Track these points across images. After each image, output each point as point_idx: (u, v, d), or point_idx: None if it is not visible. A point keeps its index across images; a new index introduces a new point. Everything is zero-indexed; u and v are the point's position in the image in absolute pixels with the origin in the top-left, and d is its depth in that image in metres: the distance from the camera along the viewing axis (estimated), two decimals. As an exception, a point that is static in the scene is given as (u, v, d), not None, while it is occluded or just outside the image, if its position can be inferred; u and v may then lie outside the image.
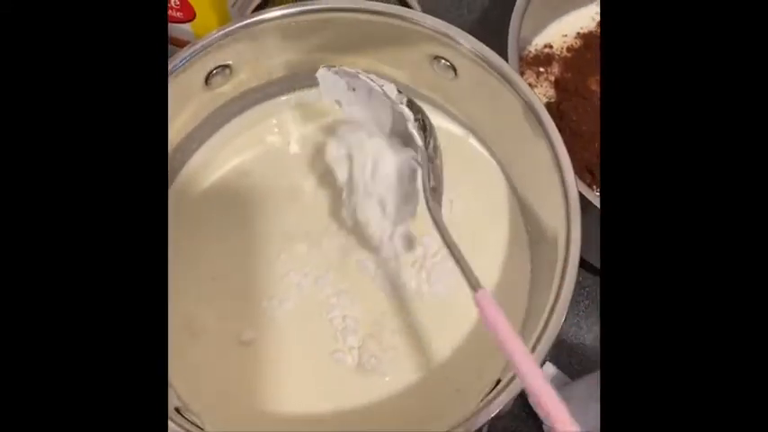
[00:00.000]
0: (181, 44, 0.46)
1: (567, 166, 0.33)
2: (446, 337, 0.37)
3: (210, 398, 0.35)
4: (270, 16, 0.38)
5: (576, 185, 0.33)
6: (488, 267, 0.39)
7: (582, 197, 0.33)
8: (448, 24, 0.37)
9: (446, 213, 0.39)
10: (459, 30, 0.37)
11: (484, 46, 0.36)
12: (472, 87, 0.39)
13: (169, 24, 0.45)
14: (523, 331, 0.36)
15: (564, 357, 0.42)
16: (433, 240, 0.39)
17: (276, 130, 0.43)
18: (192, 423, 0.32)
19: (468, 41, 0.37)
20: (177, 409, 0.33)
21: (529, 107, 0.35)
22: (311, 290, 0.38)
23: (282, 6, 0.39)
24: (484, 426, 0.29)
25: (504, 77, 0.36)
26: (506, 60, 0.38)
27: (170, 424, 0.30)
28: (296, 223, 0.40)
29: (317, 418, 0.35)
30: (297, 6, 0.38)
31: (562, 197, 0.33)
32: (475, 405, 0.33)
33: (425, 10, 0.53)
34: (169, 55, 0.43)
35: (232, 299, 0.38)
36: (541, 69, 0.46)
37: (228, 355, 0.37)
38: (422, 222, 0.39)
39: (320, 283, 0.38)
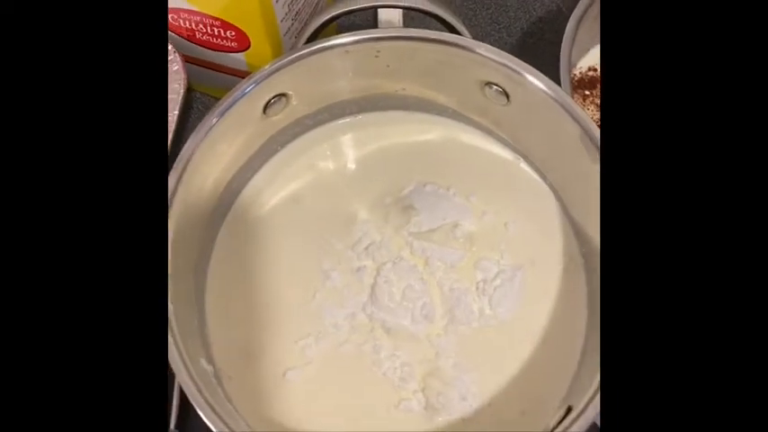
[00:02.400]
0: (233, 73, 0.47)
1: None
2: (509, 360, 0.37)
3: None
4: (324, 45, 0.39)
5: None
6: (546, 287, 0.39)
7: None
8: (501, 51, 0.38)
9: (502, 235, 0.40)
10: (513, 57, 0.38)
11: (539, 73, 0.37)
12: (525, 113, 0.39)
13: (223, 54, 0.46)
14: (583, 360, 0.36)
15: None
16: (492, 264, 0.39)
17: (329, 154, 0.44)
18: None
19: (523, 69, 0.37)
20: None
21: (587, 134, 0.35)
22: (349, 331, 0.39)
23: (336, 36, 0.39)
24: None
25: (561, 104, 0.36)
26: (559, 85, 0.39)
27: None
28: (336, 257, 0.40)
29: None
30: (350, 36, 0.39)
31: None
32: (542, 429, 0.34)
33: (471, 26, 0.55)
34: (224, 85, 0.44)
35: (273, 333, 0.39)
36: (587, 92, 0.46)
37: (279, 389, 0.37)
38: (479, 247, 0.40)
39: (357, 320, 0.39)
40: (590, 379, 0.32)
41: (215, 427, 0.31)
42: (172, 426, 0.40)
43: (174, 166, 0.36)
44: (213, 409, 0.31)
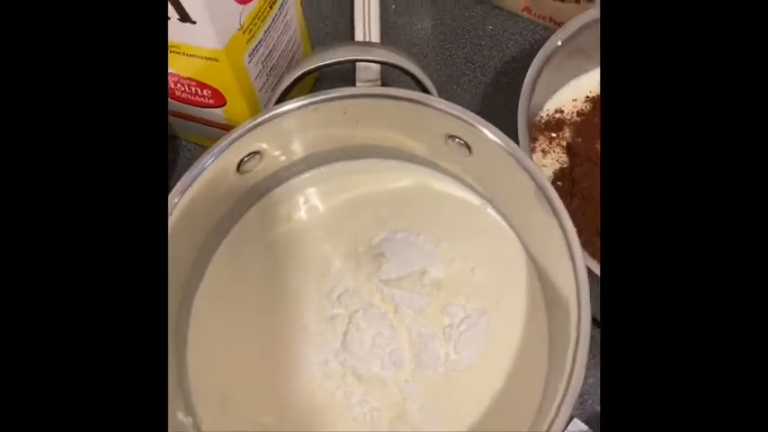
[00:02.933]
0: (214, 125, 0.49)
1: (575, 245, 0.35)
2: (474, 403, 0.39)
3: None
4: (292, 107, 0.40)
5: (584, 260, 0.35)
6: (510, 329, 0.41)
7: (589, 270, 0.35)
8: (460, 108, 0.39)
9: (468, 280, 0.42)
10: (470, 113, 0.39)
11: (495, 128, 0.39)
12: (486, 164, 0.41)
13: (202, 109, 0.48)
14: (546, 389, 0.38)
15: (588, 415, 0.43)
16: (458, 308, 0.41)
17: (303, 205, 0.46)
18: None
19: (479, 123, 0.39)
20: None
21: (540, 188, 0.37)
22: (322, 378, 0.41)
23: (307, 96, 0.41)
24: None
25: (516, 159, 0.38)
26: (516, 133, 0.40)
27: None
28: (311, 306, 0.42)
29: None
30: (321, 95, 0.41)
31: (571, 270, 0.35)
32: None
33: (441, 75, 0.57)
34: (208, 134, 0.46)
35: (249, 385, 0.41)
36: (554, 135, 0.48)
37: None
38: (446, 292, 0.42)
39: (330, 367, 0.41)
40: (550, 405, 0.33)
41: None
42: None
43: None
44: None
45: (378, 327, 0.41)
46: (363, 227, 0.44)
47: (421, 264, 0.42)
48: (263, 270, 0.44)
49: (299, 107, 0.41)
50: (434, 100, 0.40)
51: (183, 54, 0.42)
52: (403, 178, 0.46)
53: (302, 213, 0.45)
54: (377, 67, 0.48)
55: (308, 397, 0.40)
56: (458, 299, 0.42)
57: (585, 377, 0.45)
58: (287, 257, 0.44)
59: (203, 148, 0.51)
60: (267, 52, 0.46)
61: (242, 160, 0.42)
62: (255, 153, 0.42)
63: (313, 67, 0.43)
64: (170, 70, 0.45)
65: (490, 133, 0.39)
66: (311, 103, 0.41)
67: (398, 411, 0.39)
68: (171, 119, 0.50)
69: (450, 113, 0.40)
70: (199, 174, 0.39)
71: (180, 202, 0.38)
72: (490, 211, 0.44)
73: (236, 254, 0.44)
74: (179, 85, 0.46)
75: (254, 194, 0.45)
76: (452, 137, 0.41)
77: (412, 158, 0.46)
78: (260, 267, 0.44)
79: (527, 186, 0.38)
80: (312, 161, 0.46)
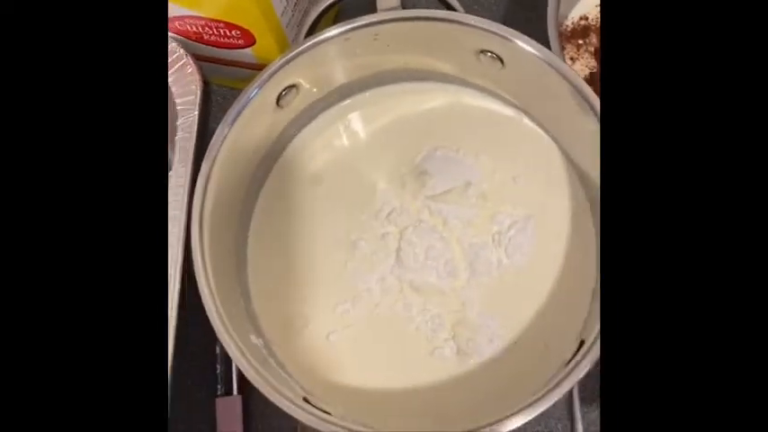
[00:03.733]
0: (244, 66, 0.50)
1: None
2: (528, 303, 0.41)
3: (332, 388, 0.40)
4: (325, 37, 0.41)
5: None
6: (558, 231, 0.43)
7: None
8: (491, 22, 0.40)
9: (512, 188, 0.44)
10: (502, 26, 0.40)
11: (530, 39, 0.39)
12: (520, 75, 0.42)
13: (232, 51, 0.49)
14: (595, 293, 0.40)
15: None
16: (505, 216, 0.43)
17: (343, 133, 0.47)
18: (321, 410, 0.36)
19: (512, 35, 0.40)
20: (305, 399, 0.37)
21: (576, 89, 0.38)
22: (381, 294, 0.43)
23: (335, 26, 0.42)
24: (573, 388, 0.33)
25: (550, 65, 0.39)
26: (545, 43, 0.41)
27: (302, 413, 0.35)
28: (361, 227, 0.44)
29: (435, 408, 0.40)
30: (350, 23, 0.42)
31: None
32: (561, 364, 0.38)
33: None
34: (238, 76, 0.48)
35: (313, 303, 0.43)
36: (581, 41, 0.49)
37: (325, 351, 0.42)
38: (492, 202, 0.43)
39: (387, 283, 0.43)
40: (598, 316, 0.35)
41: (272, 398, 0.35)
42: (235, 392, 0.45)
43: (205, 158, 0.40)
44: (267, 381, 0.35)
45: (429, 240, 0.43)
46: (404, 148, 0.46)
47: (464, 177, 0.44)
48: (312, 197, 0.45)
49: (332, 37, 0.42)
50: (464, 17, 0.41)
51: (212, -6, 0.43)
52: (437, 98, 0.47)
53: (343, 140, 0.47)
54: (398, -3, 0.49)
55: (369, 312, 0.42)
56: (503, 207, 0.43)
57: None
58: (333, 183, 0.46)
59: (235, 91, 0.52)
60: (291, -13, 0.47)
61: (280, 94, 0.43)
62: (292, 87, 0.43)
63: (336, -1, 0.44)
64: (198, 14, 0.46)
65: (523, 43, 0.40)
66: (343, 32, 0.42)
67: (458, 317, 0.41)
68: (202, 64, 0.51)
69: (481, 28, 0.41)
70: (244, 107, 0.40)
71: (228, 133, 0.40)
72: (526, 121, 0.45)
73: (284, 185, 0.46)
74: (207, 28, 0.47)
75: (294, 127, 0.46)
76: (484, 51, 0.42)
77: (444, 78, 0.47)
78: (308, 195, 0.45)
79: (563, 90, 0.39)
80: (346, 90, 0.47)
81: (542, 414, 0.42)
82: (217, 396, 0.46)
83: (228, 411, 0.46)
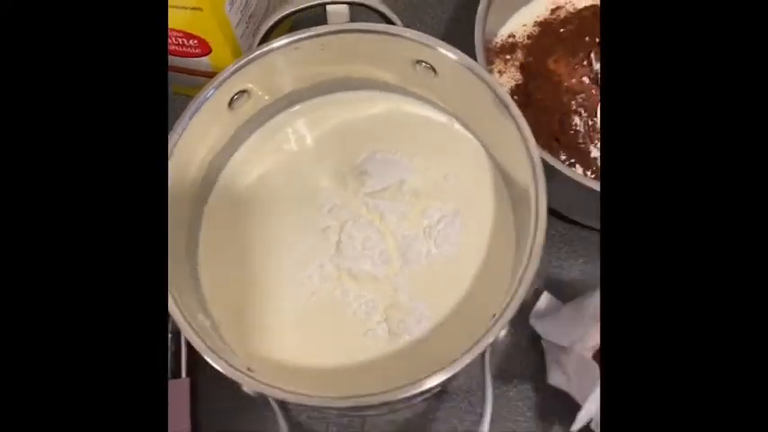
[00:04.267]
0: (201, 74, 0.54)
1: (530, 140, 0.41)
2: (454, 287, 0.45)
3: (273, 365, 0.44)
4: (276, 46, 0.46)
5: (539, 153, 0.41)
6: (482, 225, 0.47)
7: (545, 162, 0.41)
8: (424, 34, 0.45)
9: (442, 186, 0.48)
10: (433, 38, 0.45)
11: (456, 50, 0.44)
12: (450, 83, 0.47)
13: (189, 59, 0.53)
14: (514, 270, 0.44)
15: (553, 291, 0.50)
16: (435, 210, 0.47)
17: (291, 137, 0.51)
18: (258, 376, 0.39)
19: (442, 47, 0.44)
20: (249, 369, 0.41)
21: (498, 97, 0.43)
22: (320, 280, 0.46)
23: (284, 36, 0.46)
24: (486, 350, 0.37)
25: (476, 74, 0.44)
26: (475, 57, 0.46)
27: (248, 379, 0.38)
28: (305, 221, 0.48)
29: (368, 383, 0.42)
30: (297, 35, 0.46)
31: (529, 164, 0.41)
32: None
33: (408, 11, 0.62)
34: (193, 84, 0.51)
35: (258, 290, 0.46)
36: (508, 56, 0.54)
37: (267, 332, 0.45)
38: (424, 198, 0.48)
39: (326, 270, 0.46)
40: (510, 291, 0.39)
41: (217, 365, 0.38)
42: (183, 374, 0.48)
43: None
44: (214, 352, 0.39)
45: (366, 232, 0.47)
46: (346, 151, 0.50)
47: (399, 176, 0.48)
48: (261, 194, 0.49)
49: (282, 46, 0.46)
50: (402, 30, 0.46)
51: (171, 7, 0.47)
52: (378, 105, 0.51)
53: (291, 144, 0.51)
54: (346, 11, 0.53)
55: (309, 298, 0.46)
56: (434, 202, 0.47)
57: (562, 267, 0.52)
58: (281, 182, 0.49)
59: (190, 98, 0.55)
60: (245, 1, 0.51)
61: (232, 98, 0.47)
62: (243, 92, 0.47)
63: (289, 11, 0.48)
64: (159, 23, 0.50)
65: (451, 54, 0.44)
66: (292, 42, 0.46)
67: (391, 301, 0.45)
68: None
69: (416, 40, 0.45)
70: (198, 108, 0.44)
71: (181, 138, 0.44)
72: (457, 126, 0.50)
73: (235, 183, 0.50)
74: (169, 38, 0.51)
75: (246, 130, 0.50)
76: (419, 61, 0.47)
77: (384, 87, 0.51)
78: (257, 192, 0.49)
79: (487, 98, 0.44)
80: (295, 97, 0.51)
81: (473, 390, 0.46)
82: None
83: (177, 394, 0.49)
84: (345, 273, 0.46)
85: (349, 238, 0.47)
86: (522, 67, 0.53)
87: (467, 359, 0.36)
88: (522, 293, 0.38)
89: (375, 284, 0.46)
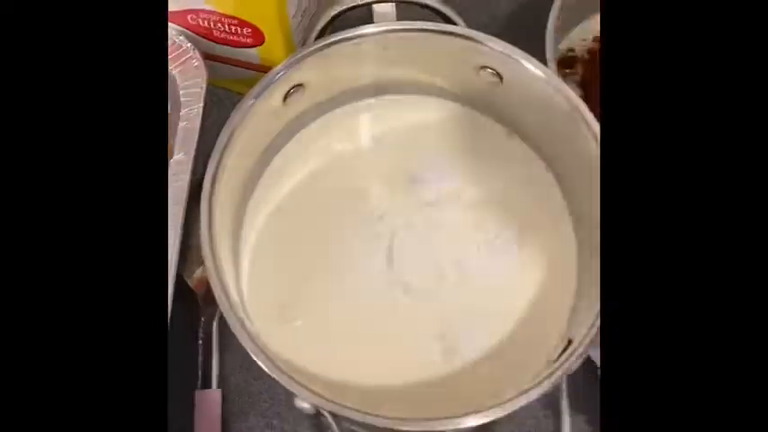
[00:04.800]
0: (246, 66, 0.52)
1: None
2: (512, 307, 0.43)
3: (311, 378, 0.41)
4: (334, 40, 0.44)
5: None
6: (541, 246, 0.45)
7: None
8: (495, 39, 0.43)
9: (500, 203, 0.46)
10: (506, 44, 0.43)
11: (530, 57, 0.42)
12: (517, 93, 0.45)
13: (238, 49, 0.50)
14: (578, 297, 0.42)
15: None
16: (493, 225, 0.45)
17: (343, 136, 0.49)
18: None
19: (515, 53, 0.42)
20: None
21: (575, 109, 0.41)
22: (369, 293, 0.44)
23: (344, 31, 0.44)
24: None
25: (550, 84, 0.42)
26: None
27: (286, 379, 0.35)
28: (354, 226, 0.46)
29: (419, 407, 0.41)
30: (356, 30, 0.44)
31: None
32: (542, 366, 0.40)
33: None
34: (235, 76, 0.49)
35: (303, 295, 0.44)
36: (567, 71, 0.52)
37: (313, 345, 0.43)
38: (480, 212, 0.45)
39: (376, 282, 0.44)
40: (587, 317, 0.37)
41: (274, 373, 0.35)
42: (214, 385, 0.45)
43: (213, 155, 0.40)
44: (270, 359, 0.36)
45: (419, 243, 0.44)
46: (400, 156, 0.48)
47: (456, 187, 0.46)
48: (308, 194, 0.47)
49: (343, 39, 0.44)
50: (470, 32, 0.44)
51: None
52: (437, 111, 0.49)
53: (345, 143, 0.48)
54: (392, 10, 0.51)
55: (357, 311, 0.43)
56: (491, 217, 0.45)
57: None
58: (330, 183, 0.47)
59: (232, 93, 0.53)
60: (300, -7, 0.49)
61: (288, 92, 0.44)
62: (300, 85, 0.45)
63: (346, 7, 0.46)
64: (213, 8, 0.47)
65: (526, 62, 0.42)
66: (355, 37, 0.44)
67: (444, 318, 0.43)
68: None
69: (485, 44, 0.43)
70: (253, 102, 0.41)
71: (236, 131, 0.41)
72: (518, 140, 0.48)
73: (282, 179, 0.47)
74: (218, 24, 0.49)
75: (297, 125, 0.48)
76: (484, 67, 0.45)
77: (442, 93, 0.49)
78: (304, 191, 0.47)
79: (562, 110, 0.42)
80: (350, 95, 0.49)
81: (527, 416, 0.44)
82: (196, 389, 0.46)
83: (207, 406, 0.46)
84: (396, 285, 0.44)
85: (400, 247, 0.44)
86: (584, 84, 0.51)
87: (538, 391, 0.34)
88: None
89: (427, 299, 0.43)
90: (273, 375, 0.35)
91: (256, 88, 0.42)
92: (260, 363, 0.35)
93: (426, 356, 0.42)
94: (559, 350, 0.38)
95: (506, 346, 0.42)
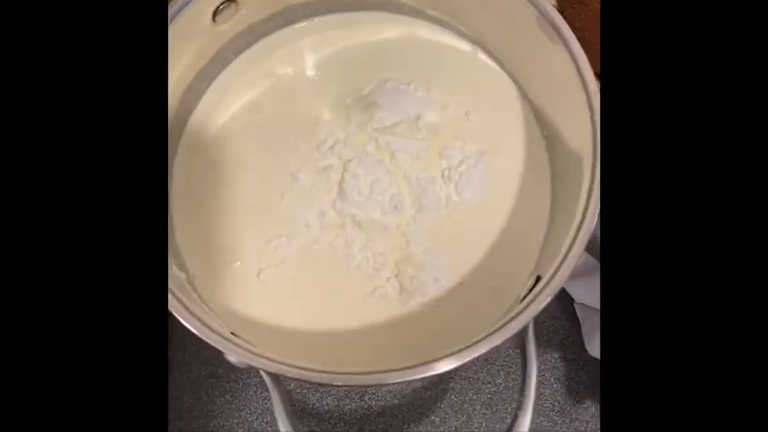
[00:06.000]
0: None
1: (587, 72, 0.34)
2: (478, 241, 0.38)
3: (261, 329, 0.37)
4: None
5: (597, 86, 0.34)
6: (510, 170, 0.40)
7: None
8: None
9: (464, 124, 0.41)
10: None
11: (491, -44, 0.37)
12: (480, 4, 0.39)
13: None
14: (551, 228, 0.38)
15: (590, 248, 0.43)
16: (456, 151, 0.40)
17: (286, 59, 0.43)
18: (246, 344, 0.33)
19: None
20: (233, 333, 0.34)
21: (543, 15, 0.36)
22: (320, 229, 0.39)
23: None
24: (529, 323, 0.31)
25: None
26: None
27: (228, 344, 0.31)
28: (301, 159, 0.41)
29: (374, 352, 0.37)
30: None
31: (584, 103, 0.34)
32: (511, 303, 0.36)
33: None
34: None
35: (244, 237, 0.39)
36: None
37: (254, 289, 0.38)
38: (443, 137, 0.41)
39: (327, 217, 0.40)
40: (556, 251, 0.33)
41: (192, 327, 0.31)
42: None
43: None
44: (189, 310, 0.32)
45: (375, 173, 0.40)
46: (351, 78, 0.43)
47: (415, 110, 0.41)
48: (248, 125, 0.42)
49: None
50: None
51: None
52: (390, 29, 0.44)
53: (286, 69, 0.43)
54: None
55: (307, 249, 0.39)
56: (454, 142, 0.41)
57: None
58: (273, 112, 0.42)
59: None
60: None
61: (217, 8, 0.39)
62: (230, 1, 0.39)
63: None
64: None
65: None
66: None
67: (403, 254, 0.38)
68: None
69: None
70: (175, 16, 0.36)
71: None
72: (481, 55, 0.43)
73: (217, 111, 0.42)
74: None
75: (231, 49, 0.42)
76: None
77: (398, 8, 0.43)
78: (244, 123, 0.42)
79: (526, 17, 0.37)
80: (291, 15, 0.43)
81: (492, 359, 0.41)
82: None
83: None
84: (349, 220, 0.39)
85: (354, 179, 0.40)
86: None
87: (507, 332, 0.30)
88: (573, 258, 0.31)
89: (384, 234, 0.39)
90: (188, 325, 0.30)
91: (176, 3, 0.37)
92: (174, 313, 0.31)
93: (381, 297, 0.38)
94: (528, 287, 0.34)
95: (469, 286, 0.38)
